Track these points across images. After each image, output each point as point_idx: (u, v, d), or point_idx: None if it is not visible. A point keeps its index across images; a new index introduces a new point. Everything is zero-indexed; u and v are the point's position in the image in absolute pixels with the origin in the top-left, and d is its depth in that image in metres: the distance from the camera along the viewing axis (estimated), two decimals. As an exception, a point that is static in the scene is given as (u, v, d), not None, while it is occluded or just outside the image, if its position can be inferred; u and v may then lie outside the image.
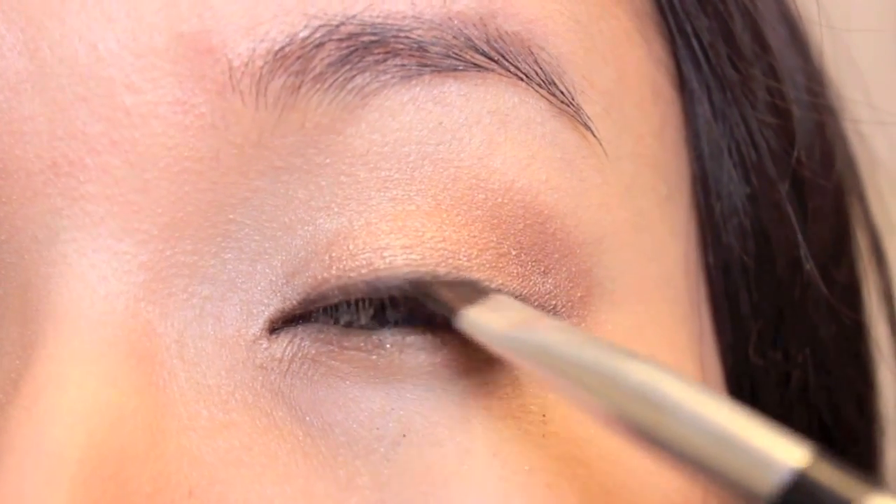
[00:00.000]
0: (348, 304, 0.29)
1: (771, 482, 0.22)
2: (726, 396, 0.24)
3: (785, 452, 0.22)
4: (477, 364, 0.29)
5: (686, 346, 0.32)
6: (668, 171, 0.33)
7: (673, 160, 0.34)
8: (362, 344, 0.29)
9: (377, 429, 0.28)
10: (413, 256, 0.28)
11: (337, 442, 0.28)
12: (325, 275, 0.28)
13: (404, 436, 0.28)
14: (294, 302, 0.28)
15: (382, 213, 0.28)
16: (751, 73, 0.35)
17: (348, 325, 0.29)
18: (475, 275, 0.29)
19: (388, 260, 0.28)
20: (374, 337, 0.29)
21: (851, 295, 0.40)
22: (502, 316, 0.27)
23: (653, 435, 0.24)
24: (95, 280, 0.27)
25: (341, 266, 0.28)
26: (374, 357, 0.28)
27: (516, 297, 0.29)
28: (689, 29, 0.34)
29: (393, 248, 0.28)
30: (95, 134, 0.27)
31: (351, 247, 0.28)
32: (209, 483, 0.27)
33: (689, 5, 0.34)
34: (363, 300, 0.28)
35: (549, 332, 0.27)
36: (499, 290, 0.29)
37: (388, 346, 0.29)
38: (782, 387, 0.36)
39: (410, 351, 0.29)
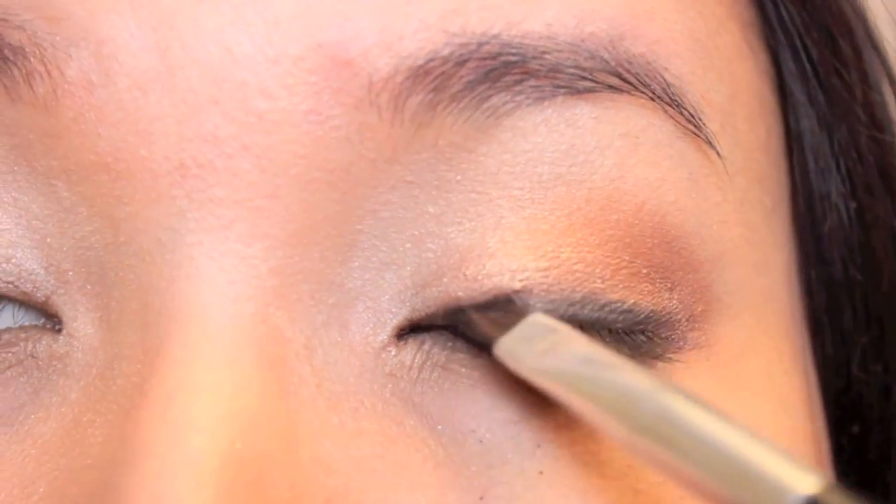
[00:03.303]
0: None
1: None
2: (743, 423, 0.24)
3: (798, 480, 0.22)
4: None
5: (791, 358, 0.33)
6: (772, 183, 0.33)
7: (775, 172, 0.34)
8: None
9: (511, 438, 0.28)
10: (549, 280, 0.28)
11: (471, 452, 0.28)
12: (460, 293, 0.28)
13: (539, 446, 0.28)
14: (423, 313, 0.28)
15: (517, 232, 0.28)
16: (854, 86, 0.35)
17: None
18: (609, 296, 0.29)
19: (523, 283, 0.28)
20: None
21: None
22: (532, 344, 0.27)
23: (667, 459, 0.24)
24: (224, 283, 0.27)
25: (477, 286, 0.28)
26: (501, 365, 0.28)
27: (647, 313, 0.29)
28: (798, 43, 0.34)
29: (529, 269, 0.28)
30: (226, 137, 0.27)
31: (487, 266, 0.28)
32: (345, 491, 0.27)
33: (798, 20, 0.34)
34: None
35: (572, 359, 0.27)
36: (532, 310, 0.29)
37: None
38: (883, 400, 0.37)
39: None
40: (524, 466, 0.28)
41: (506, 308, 0.28)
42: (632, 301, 0.29)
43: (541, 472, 0.28)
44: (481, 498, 0.27)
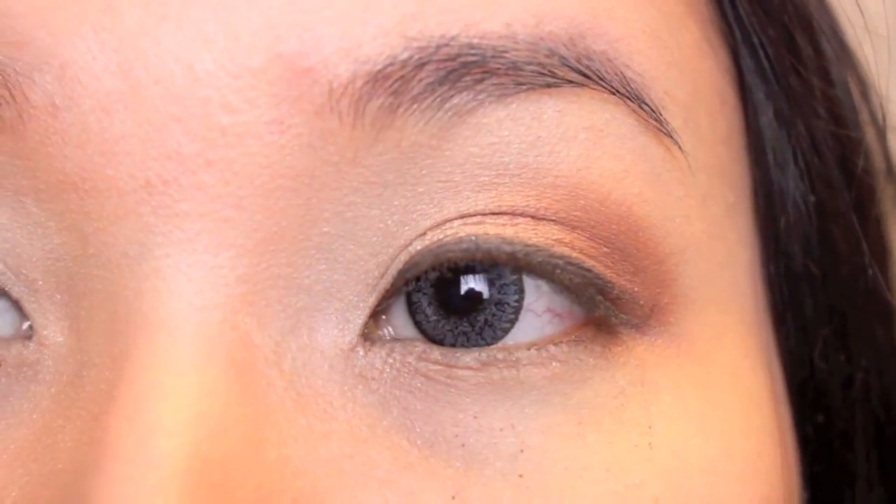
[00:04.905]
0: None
1: None
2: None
3: None
4: (585, 376, 0.30)
5: (757, 353, 0.33)
6: (734, 178, 0.34)
7: (738, 167, 0.34)
8: (472, 363, 0.29)
9: (494, 443, 0.29)
10: (507, 232, 0.29)
11: (451, 455, 0.28)
12: (420, 247, 0.29)
13: (522, 451, 0.29)
14: (388, 284, 0.29)
15: (479, 208, 0.29)
16: (813, 82, 0.35)
17: (451, 344, 0.29)
18: (562, 249, 0.29)
19: (482, 233, 0.29)
20: (483, 354, 0.29)
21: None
22: None
23: None
24: (191, 293, 0.27)
25: (434, 237, 0.29)
26: (483, 374, 0.29)
27: (603, 278, 0.30)
28: (756, 41, 0.34)
29: (486, 224, 0.29)
30: (191, 154, 0.27)
31: (446, 226, 0.29)
32: (312, 492, 0.27)
33: (755, 18, 0.34)
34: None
35: None
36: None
37: (497, 362, 0.29)
38: (846, 389, 0.37)
39: (520, 366, 0.29)
40: (504, 470, 0.28)
41: None
42: (590, 264, 0.30)
43: (521, 476, 0.28)
44: (453, 497, 0.28)
